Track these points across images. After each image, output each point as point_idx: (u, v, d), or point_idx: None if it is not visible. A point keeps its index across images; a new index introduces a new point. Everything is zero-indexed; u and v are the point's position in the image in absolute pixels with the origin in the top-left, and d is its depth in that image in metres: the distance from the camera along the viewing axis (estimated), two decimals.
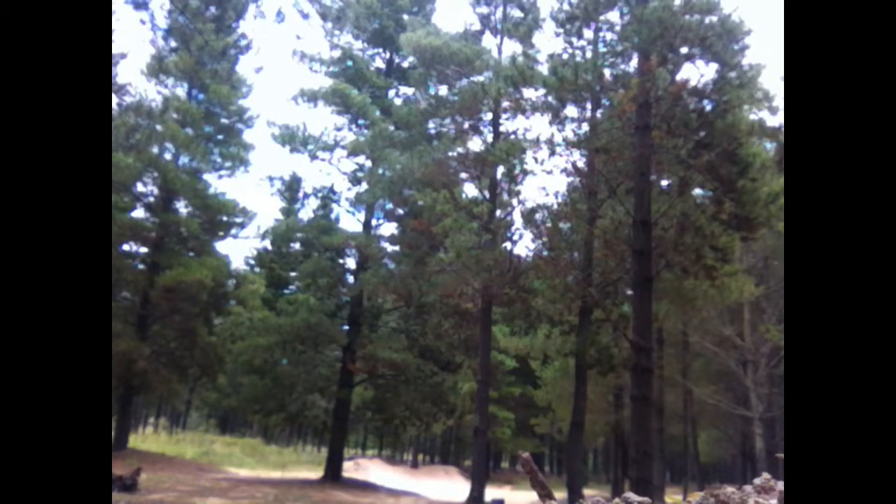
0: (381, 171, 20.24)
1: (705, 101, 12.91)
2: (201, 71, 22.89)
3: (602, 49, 14.34)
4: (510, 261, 16.58)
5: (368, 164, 21.63)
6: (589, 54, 14.21)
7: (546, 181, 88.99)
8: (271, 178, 24.65)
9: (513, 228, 17.96)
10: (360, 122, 22.21)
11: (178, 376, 23.09)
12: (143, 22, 27.92)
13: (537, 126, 63.17)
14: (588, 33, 14.30)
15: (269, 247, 28.70)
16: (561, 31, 14.10)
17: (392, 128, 20.40)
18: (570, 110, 13.95)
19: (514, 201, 17.34)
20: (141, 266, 22.60)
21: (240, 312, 24.74)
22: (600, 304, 15.04)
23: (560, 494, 9.84)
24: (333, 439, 21.99)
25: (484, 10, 20.01)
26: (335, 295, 22.58)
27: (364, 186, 21.93)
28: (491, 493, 19.50)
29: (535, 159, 14.68)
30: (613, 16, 14.18)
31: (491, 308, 18.29)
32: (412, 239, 20.10)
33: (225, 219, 23.29)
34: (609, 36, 14.31)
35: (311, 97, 21.64)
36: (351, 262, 23.12)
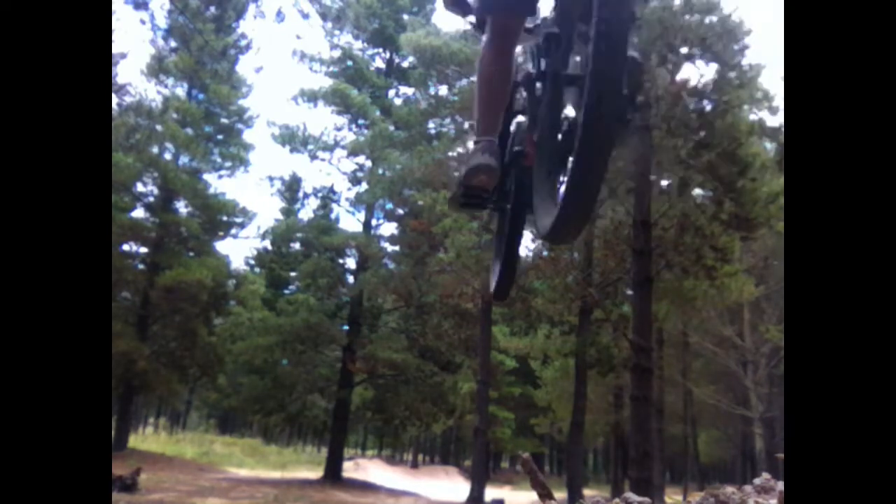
0: (381, 171, 20.25)
1: (705, 101, 12.91)
2: (201, 71, 22.89)
3: None
4: None
5: (368, 164, 21.64)
6: None
7: None
8: (271, 178, 24.72)
9: None
10: (360, 122, 22.22)
11: (178, 376, 23.08)
12: (143, 22, 27.99)
13: None
14: None
15: (269, 247, 28.69)
16: None
17: (392, 128, 20.41)
18: None
19: None
20: (141, 266, 22.60)
21: (240, 312, 24.73)
22: (600, 304, 15.05)
23: (560, 494, 9.84)
24: (333, 439, 22.00)
25: None
26: (335, 295, 22.59)
27: (364, 186, 21.94)
28: (491, 493, 19.48)
29: None
30: None
31: (491, 308, 18.29)
32: (412, 239, 20.11)
33: (225, 219, 23.30)
34: None
35: (311, 97, 21.65)
36: (351, 262, 23.15)
